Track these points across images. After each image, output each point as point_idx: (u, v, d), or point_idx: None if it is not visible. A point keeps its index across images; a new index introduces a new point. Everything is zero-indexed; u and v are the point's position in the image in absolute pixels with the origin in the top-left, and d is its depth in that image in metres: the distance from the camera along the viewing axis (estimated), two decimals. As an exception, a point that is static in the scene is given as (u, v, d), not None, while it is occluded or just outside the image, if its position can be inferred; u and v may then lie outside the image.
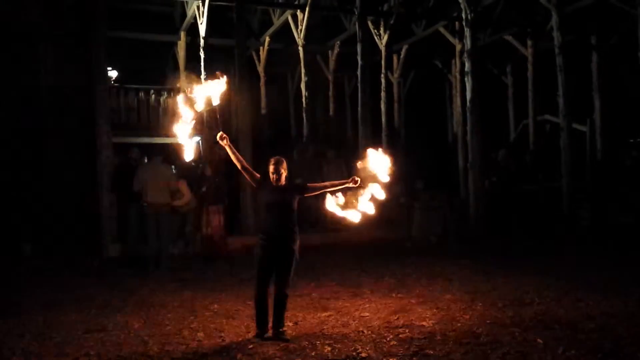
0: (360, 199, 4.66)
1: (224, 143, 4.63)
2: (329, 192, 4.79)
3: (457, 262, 7.98)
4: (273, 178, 4.74)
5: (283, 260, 4.71)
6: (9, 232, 9.41)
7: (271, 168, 4.76)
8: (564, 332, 4.66)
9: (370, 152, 4.70)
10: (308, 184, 5.03)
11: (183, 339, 4.87)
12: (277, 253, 4.71)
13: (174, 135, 4.60)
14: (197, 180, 9.31)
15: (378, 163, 4.63)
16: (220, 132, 4.63)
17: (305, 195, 4.87)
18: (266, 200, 4.77)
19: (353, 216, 4.70)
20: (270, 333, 4.73)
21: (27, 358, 4.46)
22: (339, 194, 4.73)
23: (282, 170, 4.75)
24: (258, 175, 4.85)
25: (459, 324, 4.99)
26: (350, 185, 4.69)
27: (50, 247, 9.36)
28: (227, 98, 4.48)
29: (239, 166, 4.78)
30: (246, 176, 4.84)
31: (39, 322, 5.47)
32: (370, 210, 4.68)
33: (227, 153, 4.77)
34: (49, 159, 10.11)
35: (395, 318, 5.26)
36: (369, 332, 4.85)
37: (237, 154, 4.79)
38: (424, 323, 5.06)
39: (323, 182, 5.00)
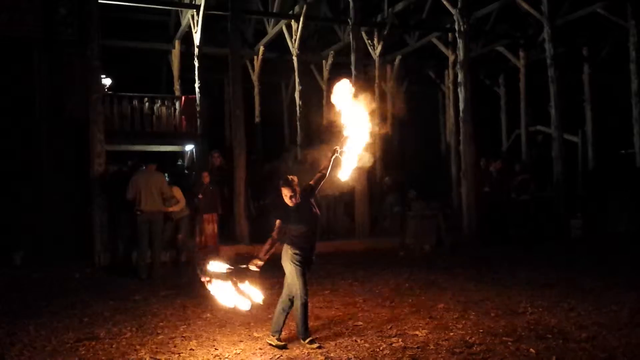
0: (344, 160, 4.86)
1: (256, 266, 4.69)
2: (327, 175, 4.92)
3: (451, 271, 8.00)
4: (292, 200, 4.75)
5: (309, 269, 4.92)
6: (0, 240, 9.34)
7: (287, 192, 4.74)
8: (556, 341, 4.67)
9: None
10: (311, 183, 4.95)
11: (175, 347, 4.85)
12: (308, 264, 4.87)
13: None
14: (192, 188, 9.30)
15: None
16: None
17: (315, 192, 4.94)
18: (302, 220, 4.77)
19: (344, 175, 4.86)
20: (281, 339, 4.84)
21: (17, 367, 4.43)
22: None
23: (297, 188, 4.76)
24: (279, 221, 4.82)
25: (452, 334, 4.99)
26: (334, 156, 4.87)
27: (41, 256, 9.30)
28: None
29: (272, 250, 4.80)
30: (277, 237, 4.83)
31: (31, 330, 5.43)
32: (354, 162, 4.85)
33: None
34: (41, 167, 10.08)
35: (389, 327, 5.26)
36: (362, 341, 4.84)
37: (264, 252, 4.76)
38: (417, 332, 5.07)
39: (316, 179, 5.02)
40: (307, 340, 4.74)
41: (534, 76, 14.25)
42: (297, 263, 4.76)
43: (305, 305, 4.77)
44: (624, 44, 11.89)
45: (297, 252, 4.77)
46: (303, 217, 4.78)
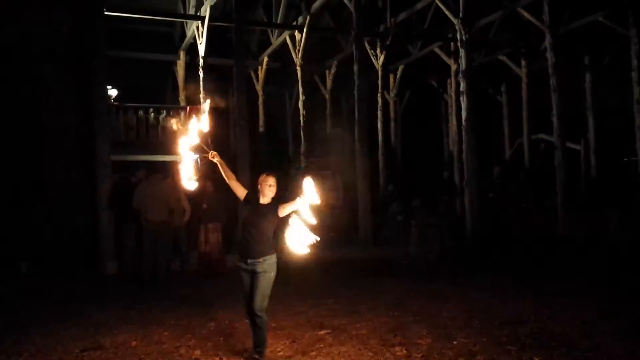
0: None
1: (216, 160, 4.56)
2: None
3: (454, 280, 8.00)
4: (259, 195, 4.63)
5: (252, 280, 4.59)
6: (7, 250, 9.42)
7: (265, 183, 4.61)
8: (560, 350, 4.67)
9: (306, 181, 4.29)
10: (279, 205, 4.53)
11: (180, 357, 4.87)
12: (247, 273, 4.61)
13: (177, 153, 4.56)
14: (196, 197, 9.34)
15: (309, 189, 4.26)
16: (212, 152, 4.54)
17: (280, 216, 4.50)
18: (245, 218, 4.68)
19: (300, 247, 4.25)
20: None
21: (24, 376, 4.47)
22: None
23: (272, 187, 4.61)
24: (245, 190, 4.73)
25: (455, 342, 5.00)
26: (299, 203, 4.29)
27: (48, 265, 9.35)
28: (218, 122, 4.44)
29: (227, 179, 4.66)
30: (234, 189, 4.71)
31: (37, 340, 5.46)
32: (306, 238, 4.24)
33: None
34: (48, 176, 10.16)
35: (392, 336, 5.27)
36: (366, 350, 4.86)
37: (227, 170, 4.67)
38: (421, 341, 5.07)
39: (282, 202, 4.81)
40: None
41: (536, 85, 14.30)
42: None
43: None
44: (626, 52, 11.93)
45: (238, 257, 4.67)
46: (251, 218, 4.61)
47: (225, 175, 4.66)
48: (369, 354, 4.76)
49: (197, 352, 4.97)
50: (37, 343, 5.36)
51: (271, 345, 4.95)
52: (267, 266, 4.55)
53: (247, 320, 4.77)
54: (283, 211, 4.43)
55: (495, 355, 4.60)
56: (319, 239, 4.22)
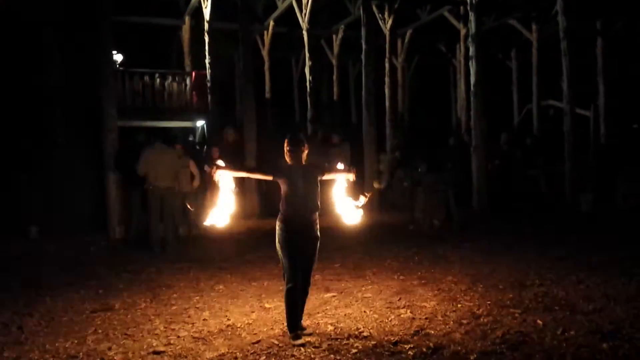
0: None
1: (222, 171, 4.34)
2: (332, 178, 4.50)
3: (459, 245, 8.05)
4: (292, 157, 4.29)
5: (309, 246, 4.30)
6: (16, 214, 9.53)
7: (289, 148, 4.29)
8: (564, 313, 4.71)
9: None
10: (325, 167, 4.58)
11: (189, 317, 4.97)
12: (303, 239, 4.26)
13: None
14: (203, 162, 9.37)
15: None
16: (214, 168, 4.39)
17: (323, 177, 4.41)
18: (289, 182, 4.25)
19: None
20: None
21: (35, 336, 4.57)
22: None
23: (304, 149, 4.31)
24: (269, 175, 4.35)
25: (459, 305, 5.06)
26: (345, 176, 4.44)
27: (56, 229, 9.47)
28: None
29: (245, 174, 4.83)
30: (258, 176, 4.75)
31: (47, 302, 5.58)
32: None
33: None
34: (56, 141, 10.21)
35: (397, 299, 5.33)
36: (371, 312, 4.93)
37: (237, 168, 4.66)
38: (425, 304, 5.14)
39: (330, 166, 4.74)
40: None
41: (547, 50, 14.07)
42: (284, 235, 4.26)
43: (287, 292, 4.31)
44: (638, 17, 11.68)
45: (284, 224, 4.27)
46: (297, 180, 4.25)
47: (240, 173, 4.65)
48: (374, 316, 4.83)
49: (206, 314, 5.06)
50: (48, 305, 5.47)
51: (277, 307, 5.03)
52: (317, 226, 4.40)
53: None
54: (328, 175, 4.46)
55: (499, 317, 4.65)
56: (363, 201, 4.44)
